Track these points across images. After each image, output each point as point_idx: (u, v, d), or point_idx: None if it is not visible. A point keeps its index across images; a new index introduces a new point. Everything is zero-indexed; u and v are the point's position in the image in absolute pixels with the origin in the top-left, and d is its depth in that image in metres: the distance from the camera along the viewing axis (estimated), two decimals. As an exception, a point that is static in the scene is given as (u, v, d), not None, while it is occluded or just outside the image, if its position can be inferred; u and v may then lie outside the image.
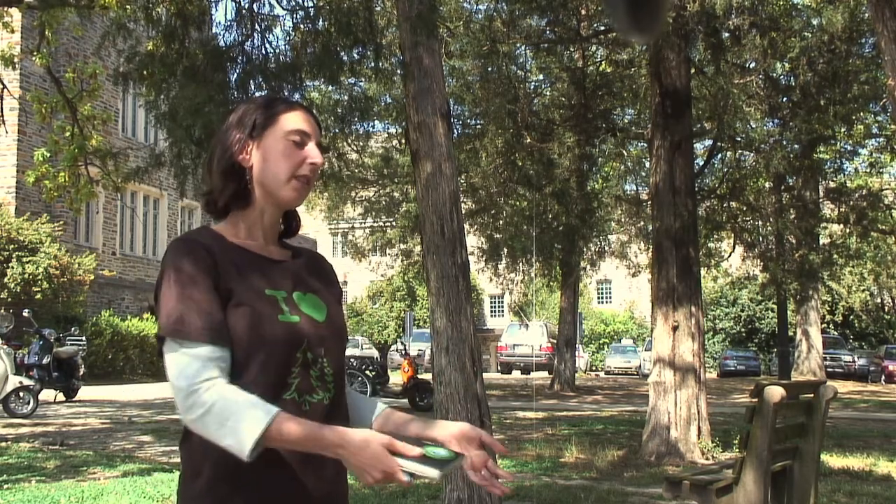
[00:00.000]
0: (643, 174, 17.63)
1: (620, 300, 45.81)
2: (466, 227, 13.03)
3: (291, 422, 1.38)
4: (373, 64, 7.29)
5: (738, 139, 13.77)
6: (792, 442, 4.93)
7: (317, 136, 1.64)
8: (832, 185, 17.62)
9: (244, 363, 1.48)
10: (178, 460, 1.58)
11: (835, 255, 17.69)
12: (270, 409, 1.38)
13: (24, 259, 20.18)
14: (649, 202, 11.87)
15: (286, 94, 6.77)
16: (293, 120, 1.61)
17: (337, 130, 9.25)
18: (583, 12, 12.29)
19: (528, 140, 12.40)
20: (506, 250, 17.60)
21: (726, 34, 10.69)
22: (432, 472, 1.35)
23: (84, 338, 18.27)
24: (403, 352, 16.19)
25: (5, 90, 10.59)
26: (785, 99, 13.15)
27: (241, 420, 1.36)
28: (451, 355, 5.23)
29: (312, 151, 1.61)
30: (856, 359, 30.60)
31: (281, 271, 1.61)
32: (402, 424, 1.63)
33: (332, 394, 1.56)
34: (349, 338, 19.44)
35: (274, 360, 1.49)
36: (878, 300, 37.64)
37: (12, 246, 20.26)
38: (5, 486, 6.55)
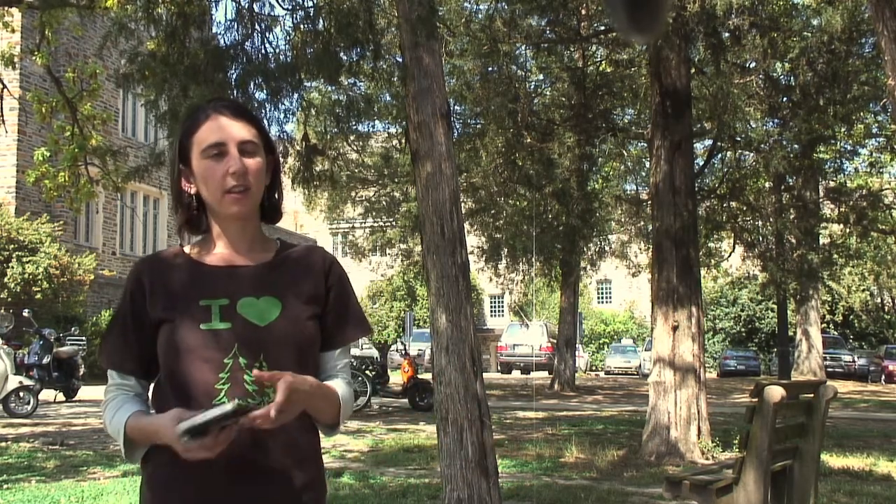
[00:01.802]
0: (643, 174, 17.62)
1: (620, 300, 45.78)
2: (466, 226, 13.00)
3: (133, 421, 1.53)
4: (372, 64, 7.29)
5: (738, 139, 13.76)
6: (792, 442, 4.93)
7: (236, 138, 1.59)
8: (832, 185, 17.62)
9: (173, 374, 1.55)
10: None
11: (835, 255, 17.69)
12: (126, 414, 1.55)
13: (24, 259, 20.17)
14: (649, 202, 11.87)
15: (285, 94, 6.77)
16: (203, 136, 1.59)
17: (336, 131, 9.24)
18: (583, 12, 12.29)
19: (529, 140, 12.39)
20: (506, 250, 17.59)
21: (726, 34, 10.68)
22: (200, 418, 1.38)
23: (84, 338, 18.25)
24: (403, 352, 16.19)
25: (5, 90, 10.59)
26: (785, 99, 13.14)
27: (116, 433, 1.56)
28: (451, 355, 5.23)
29: (230, 161, 1.57)
30: (856, 359, 30.59)
31: (232, 278, 1.60)
32: None
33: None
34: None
35: (196, 368, 1.52)
36: (878, 300, 37.63)
37: (12, 246, 20.25)
38: (5, 486, 6.55)
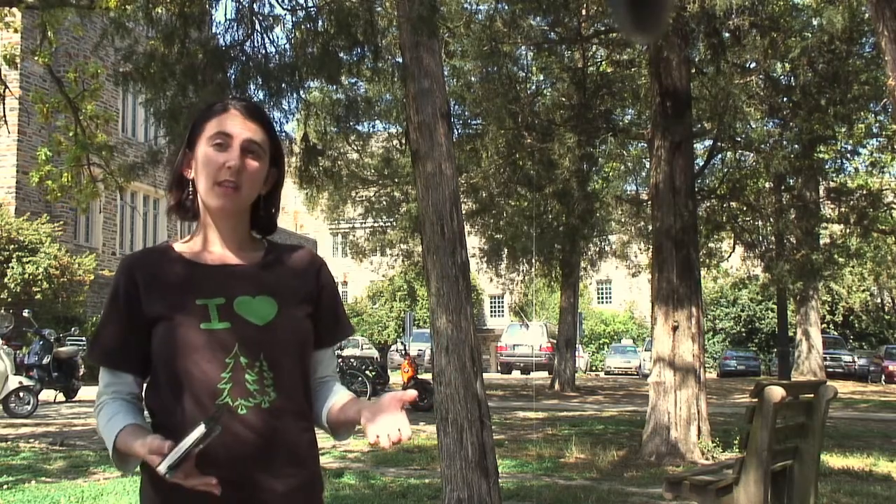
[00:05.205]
0: (643, 174, 17.61)
1: (620, 300, 45.79)
2: (467, 227, 12.99)
3: (124, 437, 1.49)
4: (372, 64, 7.29)
5: (739, 139, 13.75)
6: (792, 442, 4.93)
7: (245, 135, 1.58)
8: (832, 185, 17.60)
9: (173, 374, 1.52)
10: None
11: (835, 255, 17.68)
12: (117, 427, 1.50)
13: (24, 259, 20.17)
14: (649, 202, 11.87)
15: (285, 93, 6.77)
16: (217, 123, 1.59)
17: (337, 130, 9.25)
18: (583, 12, 12.29)
19: (529, 140, 12.38)
20: (506, 251, 17.58)
21: (727, 34, 10.68)
22: (177, 451, 1.38)
23: (84, 338, 18.25)
24: (403, 352, 16.20)
25: (6, 90, 10.59)
26: (785, 99, 13.12)
27: (108, 439, 1.53)
28: (451, 355, 5.23)
29: (229, 154, 1.56)
30: (856, 359, 30.61)
31: (227, 277, 1.59)
32: (342, 410, 1.64)
33: (274, 397, 1.54)
34: (349, 337, 19.44)
35: (198, 369, 1.51)
36: (879, 300, 37.62)
37: (12, 246, 20.25)
38: (6, 487, 6.55)
